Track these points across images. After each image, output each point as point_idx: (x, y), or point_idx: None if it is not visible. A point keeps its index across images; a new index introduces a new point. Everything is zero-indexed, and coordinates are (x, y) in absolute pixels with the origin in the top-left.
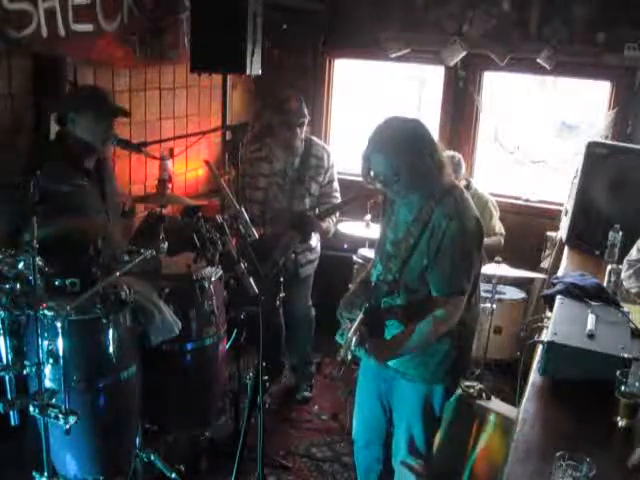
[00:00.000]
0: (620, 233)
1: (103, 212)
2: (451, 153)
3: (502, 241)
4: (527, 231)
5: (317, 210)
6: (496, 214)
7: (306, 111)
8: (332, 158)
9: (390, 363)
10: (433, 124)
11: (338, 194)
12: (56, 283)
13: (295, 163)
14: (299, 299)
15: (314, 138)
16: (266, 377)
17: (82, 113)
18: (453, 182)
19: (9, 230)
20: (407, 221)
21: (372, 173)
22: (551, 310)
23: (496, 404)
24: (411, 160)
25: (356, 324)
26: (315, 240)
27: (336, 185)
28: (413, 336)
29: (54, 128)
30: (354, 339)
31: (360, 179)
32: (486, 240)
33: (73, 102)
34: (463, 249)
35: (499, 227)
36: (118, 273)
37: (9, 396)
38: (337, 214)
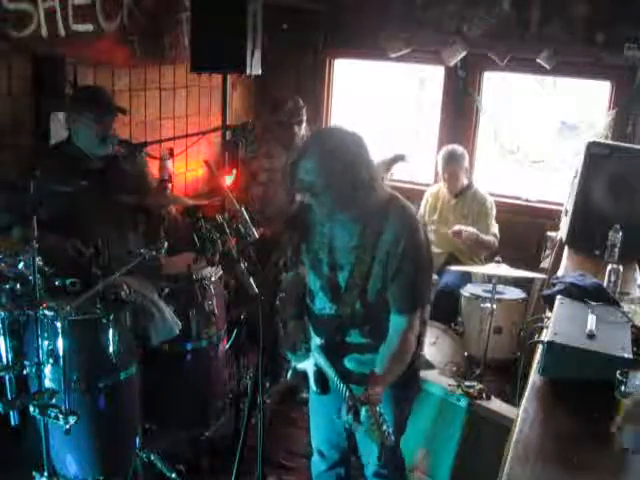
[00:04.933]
0: (620, 233)
1: (99, 216)
2: (450, 147)
3: (496, 243)
4: (527, 231)
5: None
6: (492, 215)
7: (303, 109)
8: None
9: (355, 373)
10: (433, 124)
11: None
12: (56, 283)
13: None
14: None
15: None
16: (266, 377)
17: (83, 114)
18: (388, 193)
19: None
20: (349, 246)
21: (299, 181)
22: (551, 310)
23: (496, 404)
24: (345, 170)
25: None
26: None
27: None
28: (391, 363)
29: (54, 128)
30: (380, 420)
31: None
32: (483, 237)
33: (74, 103)
34: (421, 263)
35: (494, 229)
36: (118, 273)
37: (9, 396)
38: None
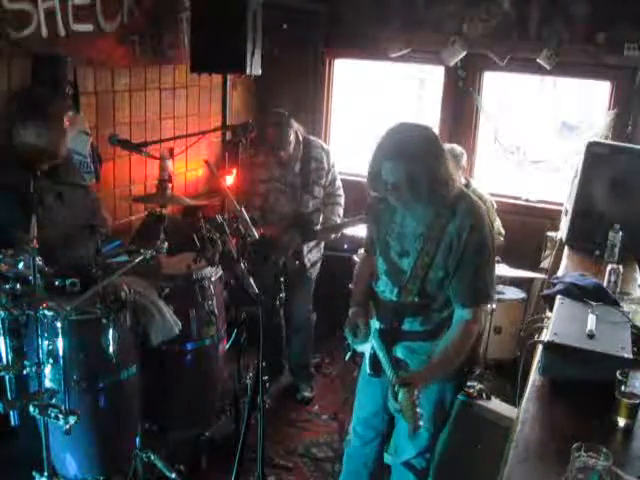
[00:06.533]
0: (620, 233)
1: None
2: (449, 146)
3: (500, 238)
4: (527, 231)
5: (317, 228)
6: (492, 212)
7: (288, 134)
8: (332, 157)
9: (403, 361)
10: (433, 124)
11: (341, 191)
12: (56, 283)
13: (296, 168)
14: (301, 300)
15: (312, 138)
16: (266, 377)
17: (25, 125)
18: (460, 189)
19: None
20: (416, 234)
21: (383, 180)
22: (551, 310)
23: (496, 404)
24: (427, 168)
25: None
26: None
27: (339, 183)
28: (446, 354)
29: None
30: (416, 402)
31: (362, 179)
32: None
33: (16, 115)
34: (487, 258)
35: (498, 227)
36: (118, 273)
37: (9, 396)
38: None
